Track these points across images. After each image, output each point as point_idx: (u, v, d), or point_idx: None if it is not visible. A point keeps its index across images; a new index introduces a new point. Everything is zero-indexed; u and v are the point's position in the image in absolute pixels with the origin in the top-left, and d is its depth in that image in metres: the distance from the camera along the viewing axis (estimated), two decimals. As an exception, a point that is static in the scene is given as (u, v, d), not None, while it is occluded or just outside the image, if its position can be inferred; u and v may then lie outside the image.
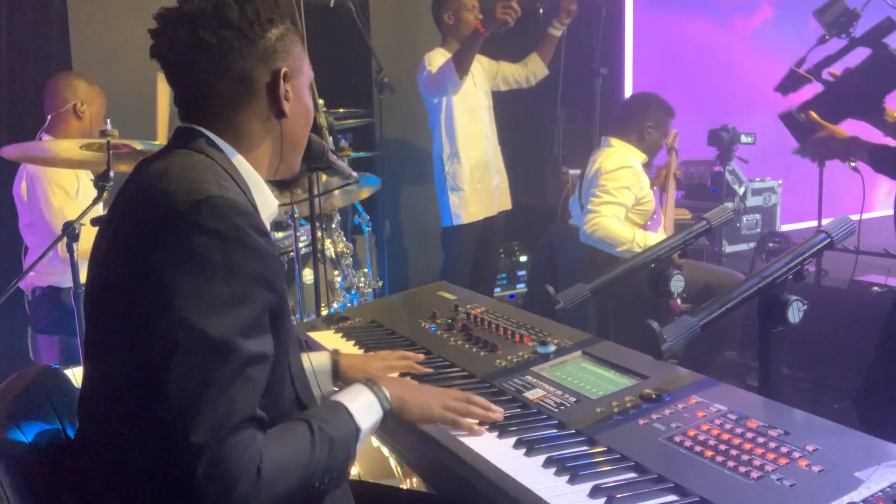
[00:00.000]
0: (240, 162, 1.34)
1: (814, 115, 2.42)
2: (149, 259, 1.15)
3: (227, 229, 1.16)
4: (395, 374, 1.73)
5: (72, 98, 3.25)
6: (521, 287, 5.02)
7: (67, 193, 3.15)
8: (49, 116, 3.25)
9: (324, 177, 2.71)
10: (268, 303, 1.21)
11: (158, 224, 1.17)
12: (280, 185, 1.50)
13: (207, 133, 1.33)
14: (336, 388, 1.73)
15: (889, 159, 2.31)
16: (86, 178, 3.20)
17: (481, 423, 1.47)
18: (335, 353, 1.76)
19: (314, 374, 1.59)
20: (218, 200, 1.18)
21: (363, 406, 1.37)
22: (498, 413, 1.49)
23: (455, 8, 4.06)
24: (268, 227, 1.39)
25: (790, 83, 2.55)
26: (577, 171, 4.28)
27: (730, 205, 3.51)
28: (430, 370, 1.75)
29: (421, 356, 1.80)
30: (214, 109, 1.33)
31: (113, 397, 1.21)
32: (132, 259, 1.18)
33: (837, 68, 2.50)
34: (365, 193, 3.43)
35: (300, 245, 3.13)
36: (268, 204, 1.39)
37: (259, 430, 1.17)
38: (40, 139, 3.22)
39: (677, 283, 1.93)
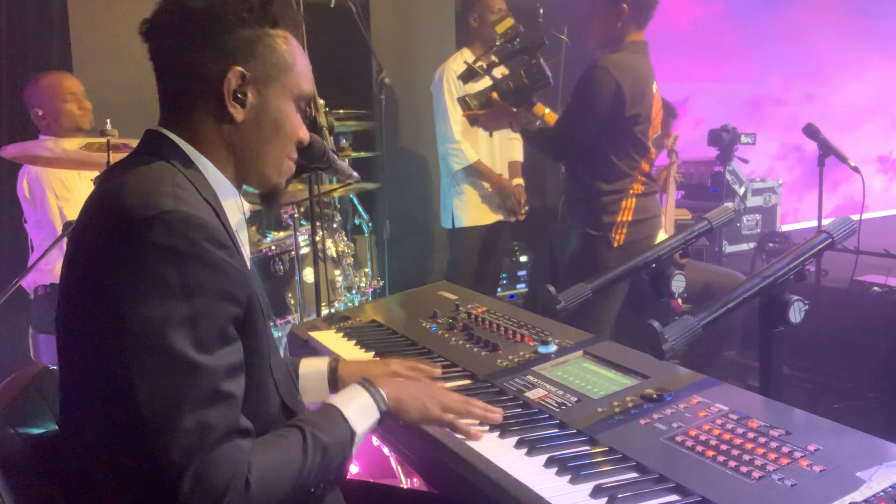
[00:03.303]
0: (205, 166, 1.30)
1: (496, 95, 2.95)
2: (105, 279, 1.14)
3: (182, 246, 1.13)
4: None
5: (29, 106, 3.29)
6: (522, 287, 5.02)
7: (69, 193, 3.15)
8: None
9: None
10: (233, 315, 1.19)
11: (112, 241, 1.15)
12: (265, 199, 1.43)
13: (172, 136, 1.29)
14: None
15: (530, 136, 3.04)
16: (87, 177, 3.20)
17: (481, 424, 1.46)
18: (333, 360, 1.67)
19: (294, 379, 1.55)
20: (171, 216, 1.14)
21: (359, 408, 1.35)
22: (497, 414, 1.48)
23: (480, 11, 4.08)
24: (243, 232, 1.36)
25: (467, 76, 3.11)
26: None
27: (730, 205, 3.51)
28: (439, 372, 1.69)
29: (437, 371, 1.68)
30: (173, 105, 1.31)
31: (88, 410, 1.21)
32: (90, 278, 1.17)
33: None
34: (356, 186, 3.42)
35: (300, 244, 3.13)
36: (237, 208, 1.35)
37: (244, 440, 1.16)
38: (39, 139, 3.23)
39: (678, 283, 1.92)
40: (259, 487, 1.14)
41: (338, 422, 1.32)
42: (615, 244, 2.85)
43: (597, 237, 2.87)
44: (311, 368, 1.65)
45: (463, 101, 3.07)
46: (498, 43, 3.18)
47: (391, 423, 1.44)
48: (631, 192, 2.88)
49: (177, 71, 1.29)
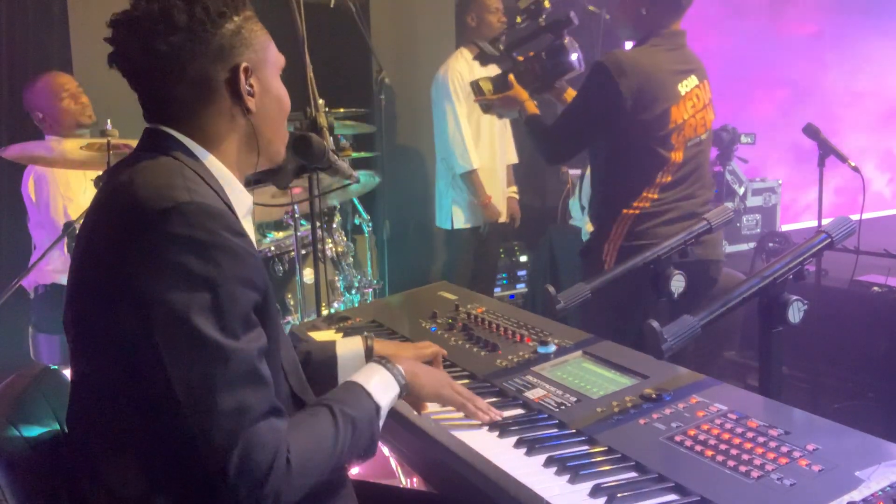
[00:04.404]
0: (210, 161, 1.31)
1: (512, 78, 2.69)
2: (125, 273, 1.15)
3: (201, 235, 1.15)
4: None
5: (29, 109, 3.28)
6: (522, 287, 5.02)
7: (73, 194, 3.16)
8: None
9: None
10: (253, 301, 1.20)
11: (130, 235, 1.16)
12: (273, 178, 1.43)
13: (174, 133, 1.29)
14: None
15: (532, 128, 2.67)
16: (91, 178, 3.20)
17: (481, 426, 1.48)
18: (368, 338, 1.67)
19: (310, 363, 1.58)
20: (187, 206, 1.15)
21: (379, 383, 1.38)
22: (496, 414, 1.50)
23: (478, 10, 4.04)
24: (248, 225, 1.38)
25: (484, 59, 2.84)
26: (577, 172, 4.28)
27: (730, 205, 3.51)
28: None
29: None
30: (177, 111, 1.30)
31: (105, 406, 1.22)
32: (107, 274, 1.17)
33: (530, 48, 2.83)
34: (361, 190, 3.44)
35: (300, 245, 3.13)
36: (242, 200, 1.36)
37: (280, 420, 1.18)
38: (46, 139, 3.24)
39: (678, 283, 1.93)
40: (298, 465, 1.16)
41: (362, 397, 1.34)
42: (604, 267, 2.50)
43: (587, 261, 2.62)
44: (348, 349, 1.66)
45: (476, 85, 2.80)
46: (519, 20, 2.82)
47: (409, 398, 1.47)
48: (626, 211, 2.51)
49: (175, 83, 1.27)
